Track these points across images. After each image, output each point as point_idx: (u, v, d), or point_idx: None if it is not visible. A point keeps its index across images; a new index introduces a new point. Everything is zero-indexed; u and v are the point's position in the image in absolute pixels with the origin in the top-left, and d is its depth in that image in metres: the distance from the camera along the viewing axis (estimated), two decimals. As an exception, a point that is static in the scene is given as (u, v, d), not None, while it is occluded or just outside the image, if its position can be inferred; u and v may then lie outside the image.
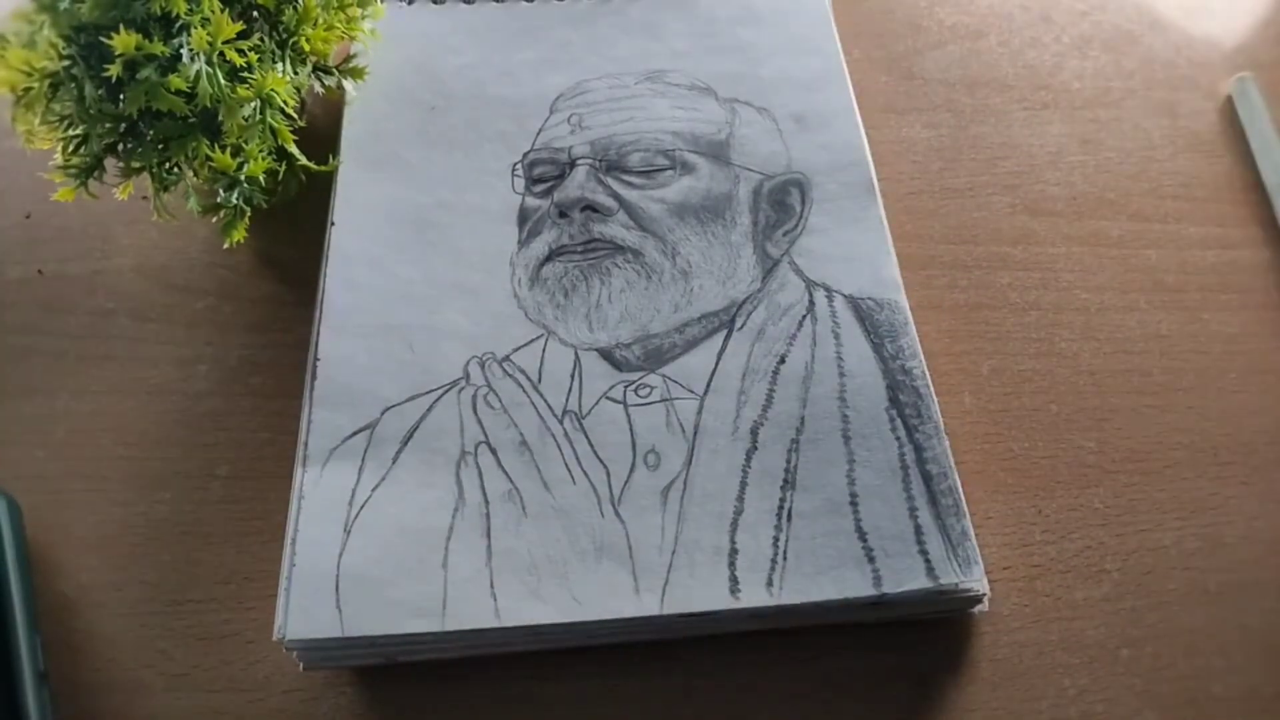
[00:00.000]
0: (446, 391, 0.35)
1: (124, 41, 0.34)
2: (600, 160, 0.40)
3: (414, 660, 0.32)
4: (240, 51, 0.36)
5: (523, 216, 0.40)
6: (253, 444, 0.37)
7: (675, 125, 0.42)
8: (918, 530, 0.32)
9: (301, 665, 0.31)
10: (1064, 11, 0.50)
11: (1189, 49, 0.48)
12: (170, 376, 0.38)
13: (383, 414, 0.35)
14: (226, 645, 0.33)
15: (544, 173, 0.41)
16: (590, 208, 0.39)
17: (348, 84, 0.43)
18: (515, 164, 0.41)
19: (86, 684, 0.32)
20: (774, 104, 0.43)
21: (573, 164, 0.40)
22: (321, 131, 0.44)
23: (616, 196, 0.39)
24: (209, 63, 0.35)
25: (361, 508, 0.33)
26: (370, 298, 0.37)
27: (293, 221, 0.42)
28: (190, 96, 0.35)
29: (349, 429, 0.34)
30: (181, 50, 0.35)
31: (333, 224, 0.39)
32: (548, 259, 0.38)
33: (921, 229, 0.42)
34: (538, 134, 0.42)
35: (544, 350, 0.36)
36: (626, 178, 0.40)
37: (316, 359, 0.36)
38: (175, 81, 0.34)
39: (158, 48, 0.34)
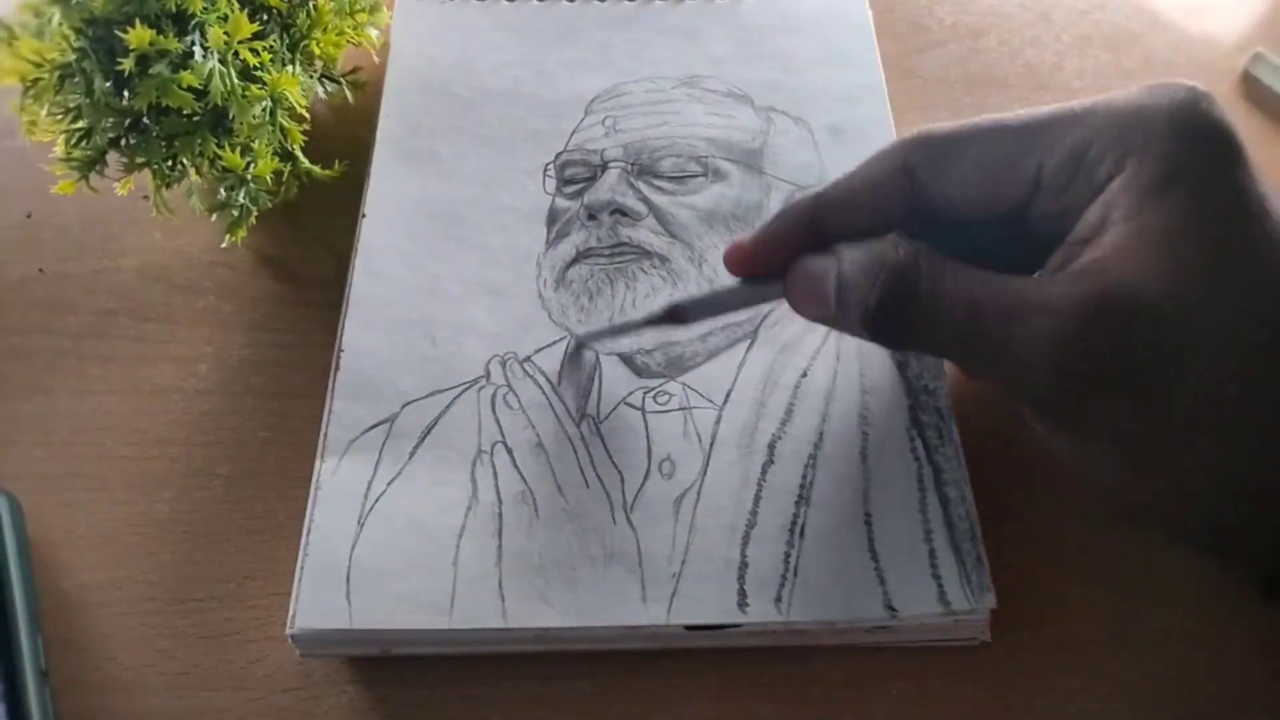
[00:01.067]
0: (466, 389, 0.35)
1: (138, 36, 0.34)
2: (632, 164, 0.40)
3: (413, 654, 0.32)
4: (254, 51, 0.36)
5: (552, 217, 0.40)
6: (253, 443, 0.37)
7: (709, 132, 0.41)
8: (931, 554, 0.32)
9: (299, 651, 0.31)
10: (1064, 10, 0.49)
11: (1189, 48, 0.48)
12: (171, 376, 0.39)
13: (402, 408, 0.35)
14: (228, 644, 0.33)
15: (575, 174, 0.41)
16: (620, 211, 0.39)
17: (388, 75, 0.43)
18: (547, 164, 0.41)
19: (88, 683, 0.32)
20: (810, 114, 0.42)
21: (605, 166, 0.40)
22: (327, 132, 0.44)
23: (646, 201, 0.39)
24: (223, 61, 0.35)
25: (376, 501, 0.33)
26: (396, 291, 0.38)
27: (293, 221, 0.42)
28: (200, 94, 0.35)
29: (368, 421, 0.35)
30: (194, 47, 0.35)
31: (364, 215, 0.39)
32: (574, 261, 0.38)
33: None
34: (571, 135, 0.42)
35: (566, 352, 0.36)
36: (657, 183, 0.40)
37: (340, 350, 0.36)
38: (187, 78, 0.34)
39: (171, 44, 0.34)
